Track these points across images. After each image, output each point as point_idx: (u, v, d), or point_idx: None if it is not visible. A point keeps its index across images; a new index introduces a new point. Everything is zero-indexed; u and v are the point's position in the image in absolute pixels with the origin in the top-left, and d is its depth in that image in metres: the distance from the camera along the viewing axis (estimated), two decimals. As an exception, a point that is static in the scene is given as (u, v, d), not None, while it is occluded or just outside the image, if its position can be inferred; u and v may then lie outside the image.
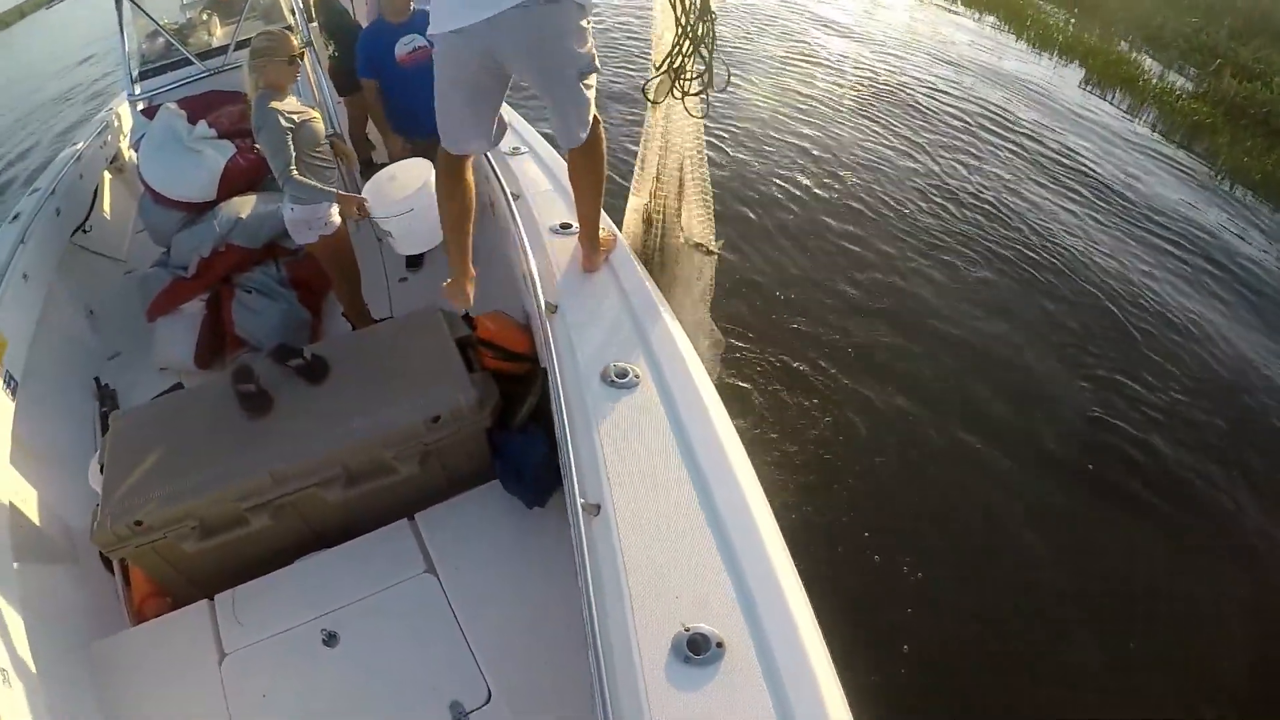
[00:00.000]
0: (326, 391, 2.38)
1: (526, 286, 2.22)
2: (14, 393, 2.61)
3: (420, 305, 3.30)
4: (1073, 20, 11.88)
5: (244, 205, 3.31)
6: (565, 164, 2.64)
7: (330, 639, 2.05)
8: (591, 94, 1.98)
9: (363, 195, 2.96)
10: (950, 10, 12.75)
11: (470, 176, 2.18)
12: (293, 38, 2.76)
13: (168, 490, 2.14)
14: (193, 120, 3.53)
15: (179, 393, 2.56)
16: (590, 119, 2.01)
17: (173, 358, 3.28)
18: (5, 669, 1.70)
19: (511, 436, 2.24)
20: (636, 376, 1.79)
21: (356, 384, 2.38)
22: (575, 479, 1.63)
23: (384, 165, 3.15)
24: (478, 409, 2.28)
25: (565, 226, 2.31)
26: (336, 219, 2.88)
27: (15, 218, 3.40)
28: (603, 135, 2.08)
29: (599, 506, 1.54)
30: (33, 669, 1.82)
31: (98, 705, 1.96)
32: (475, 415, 2.28)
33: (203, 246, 3.21)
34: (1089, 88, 9.61)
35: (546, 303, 2.06)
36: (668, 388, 1.76)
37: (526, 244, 2.27)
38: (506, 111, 2.73)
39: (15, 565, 2.06)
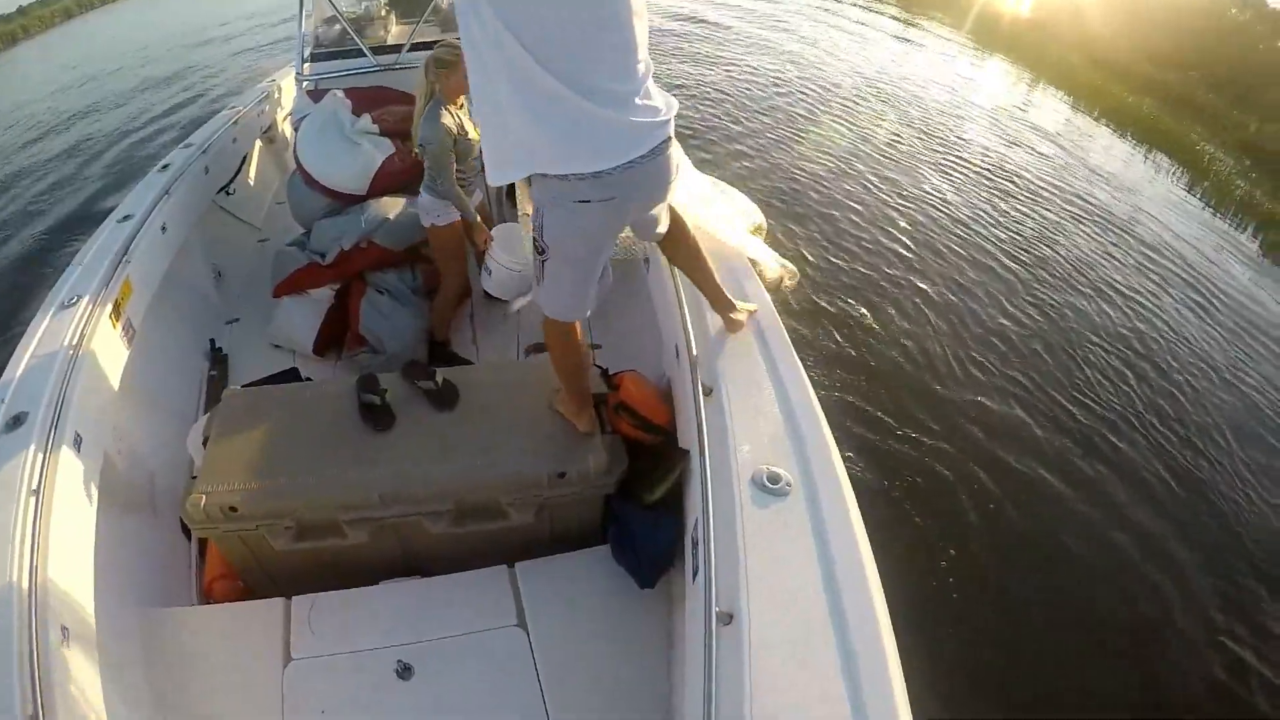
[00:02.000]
0: (452, 420, 2.28)
1: (681, 361, 2.08)
2: (130, 340, 2.60)
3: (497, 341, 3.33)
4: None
5: (393, 206, 3.29)
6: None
7: (404, 671, 1.94)
8: None
9: (492, 234, 3.09)
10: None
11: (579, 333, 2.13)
12: None
13: (271, 483, 2.06)
14: (357, 112, 3.55)
15: (297, 384, 2.50)
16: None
17: (292, 338, 3.26)
18: (65, 624, 1.65)
19: (636, 511, 2.08)
20: (789, 485, 1.64)
21: (484, 419, 2.27)
22: (713, 583, 1.52)
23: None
24: (605, 474, 2.14)
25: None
26: (457, 215, 2.99)
27: (164, 168, 3.46)
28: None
29: (732, 616, 1.43)
30: (92, 624, 1.77)
31: (148, 678, 1.88)
32: (602, 480, 2.15)
33: (345, 238, 3.18)
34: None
35: (703, 384, 1.92)
36: (817, 500, 1.63)
37: (688, 318, 2.13)
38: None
39: (94, 507, 2.01)
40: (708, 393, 1.92)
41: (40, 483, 1.82)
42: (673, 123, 1.76)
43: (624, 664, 1.99)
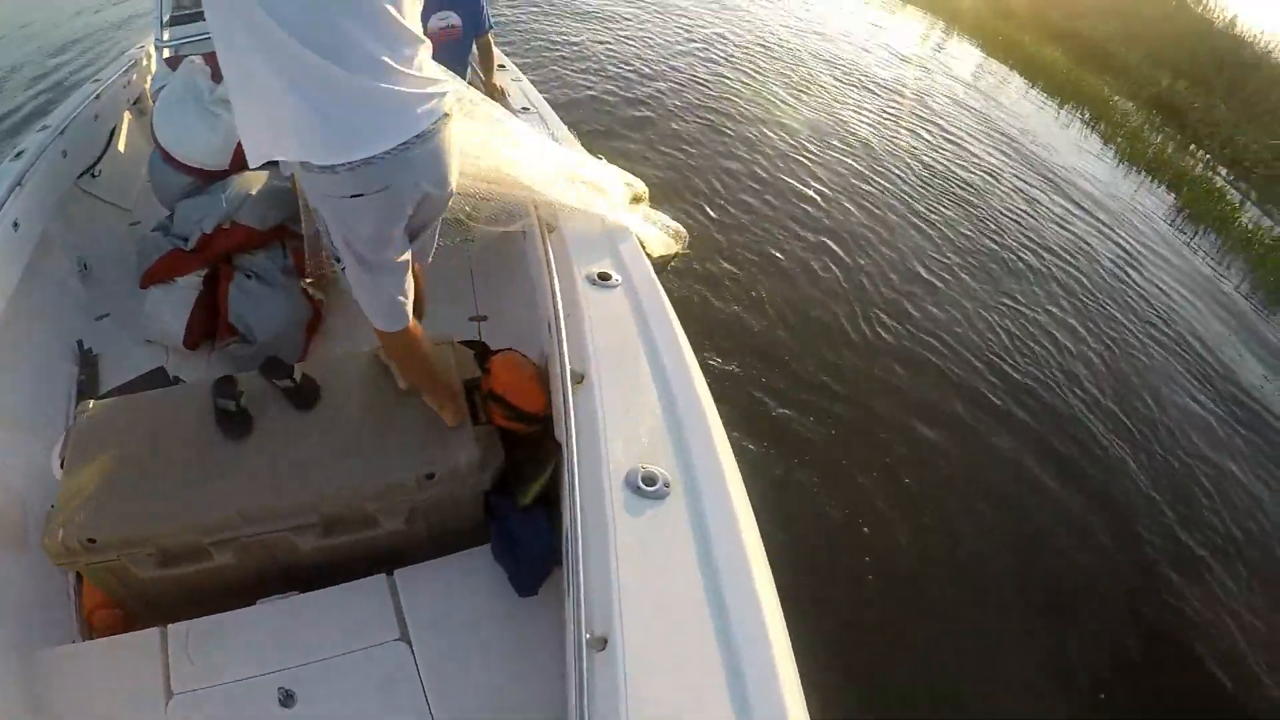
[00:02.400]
0: (313, 421, 2.13)
1: (551, 342, 1.96)
2: None
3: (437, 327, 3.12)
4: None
5: (256, 181, 3.04)
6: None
7: (287, 699, 1.84)
8: None
9: None
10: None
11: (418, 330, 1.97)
12: None
13: (125, 509, 1.93)
14: (216, 79, 3.24)
15: (156, 393, 2.32)
16: None
17: (161, 332, 3.04)
18: None
19: (512, 511, 1.99)
20: (667, 486, 1.53)
21: (347, 417, 2.14)
22: (582, 606, 1.40)
23: None
24: (478, 470, 2.04)
25: (604, 278, 2.04)
26: None
27: (18, 155, 3.13)
28: None
29: (606, 640, 1.33)
30: None
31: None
32: (474, 477, 2.04)
33: (206, 220, 2.95)
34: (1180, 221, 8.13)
35: (572, 370, 1.79)
36: (700, 501, 1.52)
37: (558, 293, 2.00)
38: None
39: None
40: (578, 379, 1.80)
41: None
42: (451, 95, 1.61)
43: (514, 675, 1.91)
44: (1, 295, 2.63)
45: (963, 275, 5.46)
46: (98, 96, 3.88)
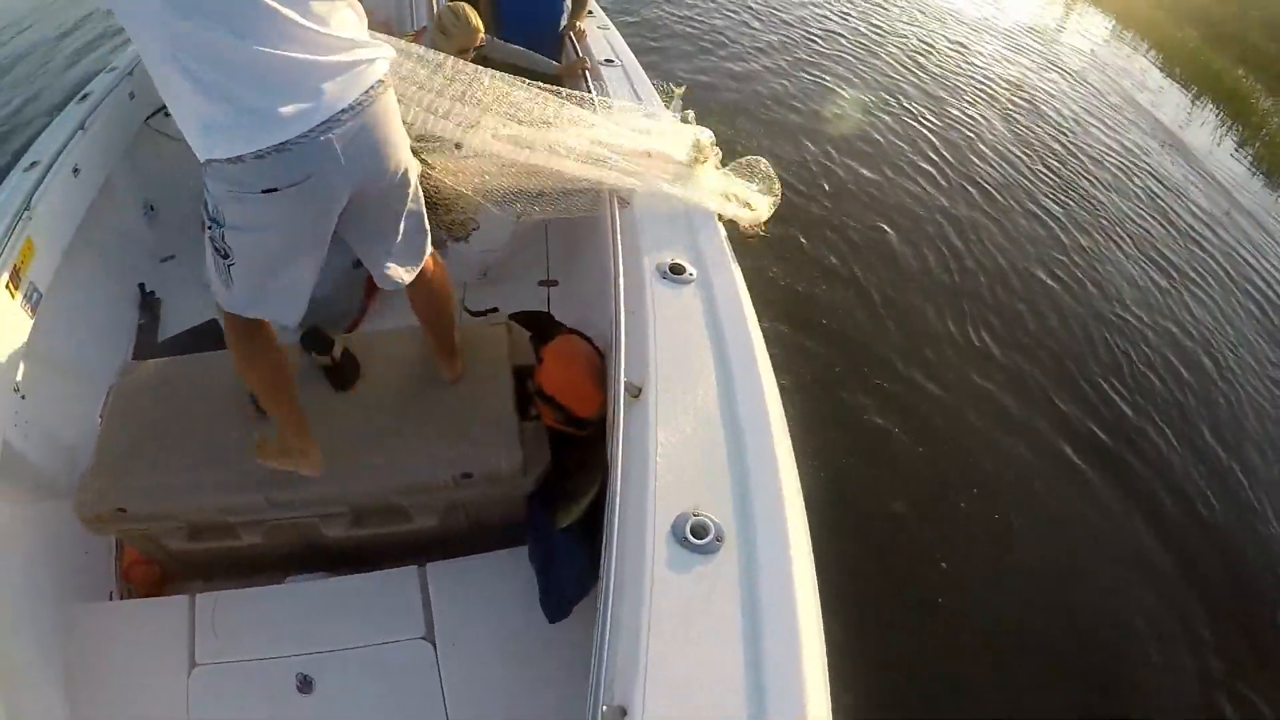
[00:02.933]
0: (349, 403, 1.99)
1: (612, 343, 1.72)
2: (34, 307, 2.31)
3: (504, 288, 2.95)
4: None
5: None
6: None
7: (304, 684, 1.79)
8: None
9: None
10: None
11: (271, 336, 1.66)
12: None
13: (154, 482, 1.86)
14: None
15: (196, 358, 2.20)
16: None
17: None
18: None
19: (549, 528, 1.79)
20: (719, 540, 1.28)
21: (386, 402, 1.98)
22: (604, 668, 1.21)
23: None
24: (519, 475, 1.85)
25: (677, 271, 1.77)
26: None
27: (84, 98, 3.06)
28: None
29: (625, 712, 1.12)
30: (8, 619, 1.74)
31: (61, 679, 1.80)
32: (516, 480, 1.86)
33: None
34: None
35: (627, 383, 1.55)
36: (754, 562, 1.26)
37: (622, 293, 1.75)
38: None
39: (8, 502, 1.85)
40: (635, 393, 1.55)
41: None
42: (385, 60, 1.33)
43: (535, 691, 1.78)
44: (57, 245, 2.55)
45: (1085, 284, 4.80)
46: None
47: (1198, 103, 9.17)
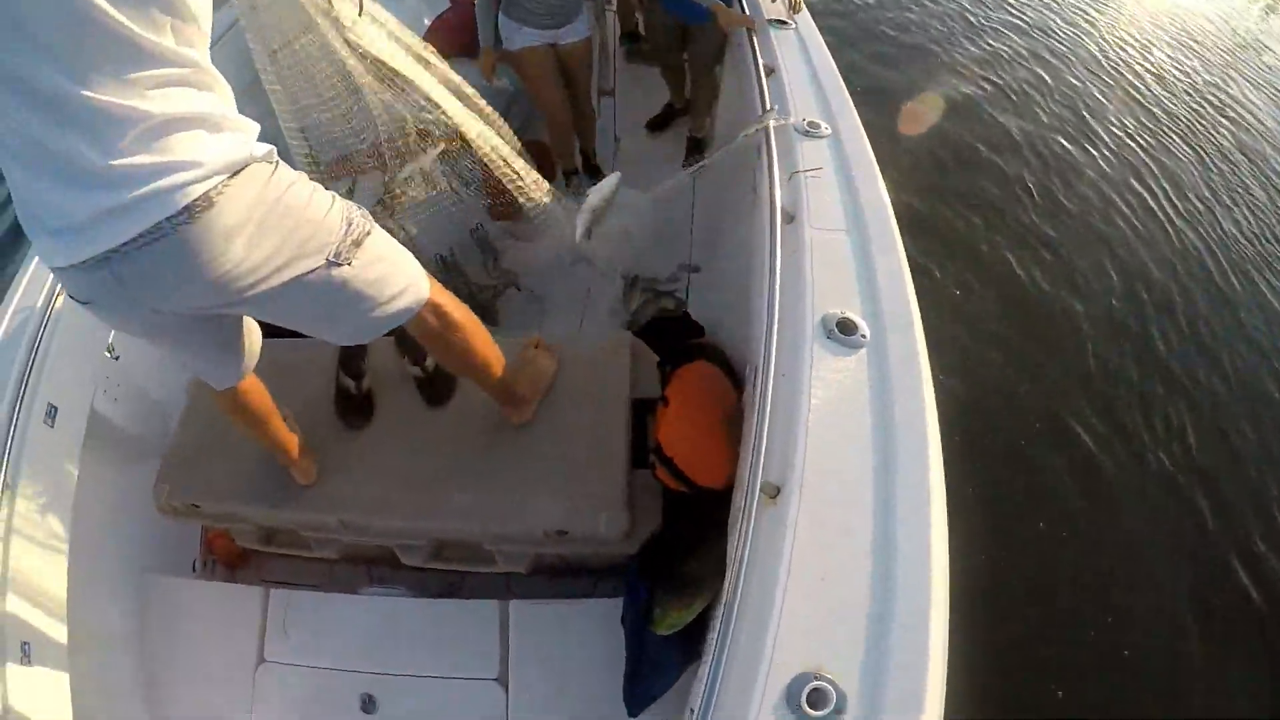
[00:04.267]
0: (441, 424, 1.76)
1: (755, 417, 1.36)
2: None
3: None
4: None
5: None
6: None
7: (368, 704, 1.69)
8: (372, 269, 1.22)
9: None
10: None
11: (254, 387, 1.55)
12: None
13: (228, 486, 1.74)
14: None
15: (282, 343, 2.00)
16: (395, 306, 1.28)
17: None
18: (64, 577, 1.55)
19: (645, 622, 1.51)
20: (839, 714, 0.97)
21: (479, 428, 1.73)
22: None
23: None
24: (622, 539, 1.57)
25: (847, 330, 1.38)
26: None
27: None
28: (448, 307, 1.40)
29: None
30: (93, 579, 1.70)
31: (137, 644, 1.79)
32: (617, 546, 1.58)
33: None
34: None
35: (765, 483, 1.22)
36: None
37: (774, 349, 1.38)
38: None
39: (76, 476, 1.73)
40: (772, 494, 1.22)
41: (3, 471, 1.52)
42: (202, 185, 0.96)
43: None
44: None
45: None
46: None
47: None
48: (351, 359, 1.76)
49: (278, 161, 1.10)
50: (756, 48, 2.20)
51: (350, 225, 1.16)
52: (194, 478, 1.76)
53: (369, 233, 1.20)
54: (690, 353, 1.86)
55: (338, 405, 1.76)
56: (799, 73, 2.11)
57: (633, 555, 1.63)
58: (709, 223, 2.68)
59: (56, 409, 1.68)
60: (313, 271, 1.12)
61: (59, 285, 1.80)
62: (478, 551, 1.69)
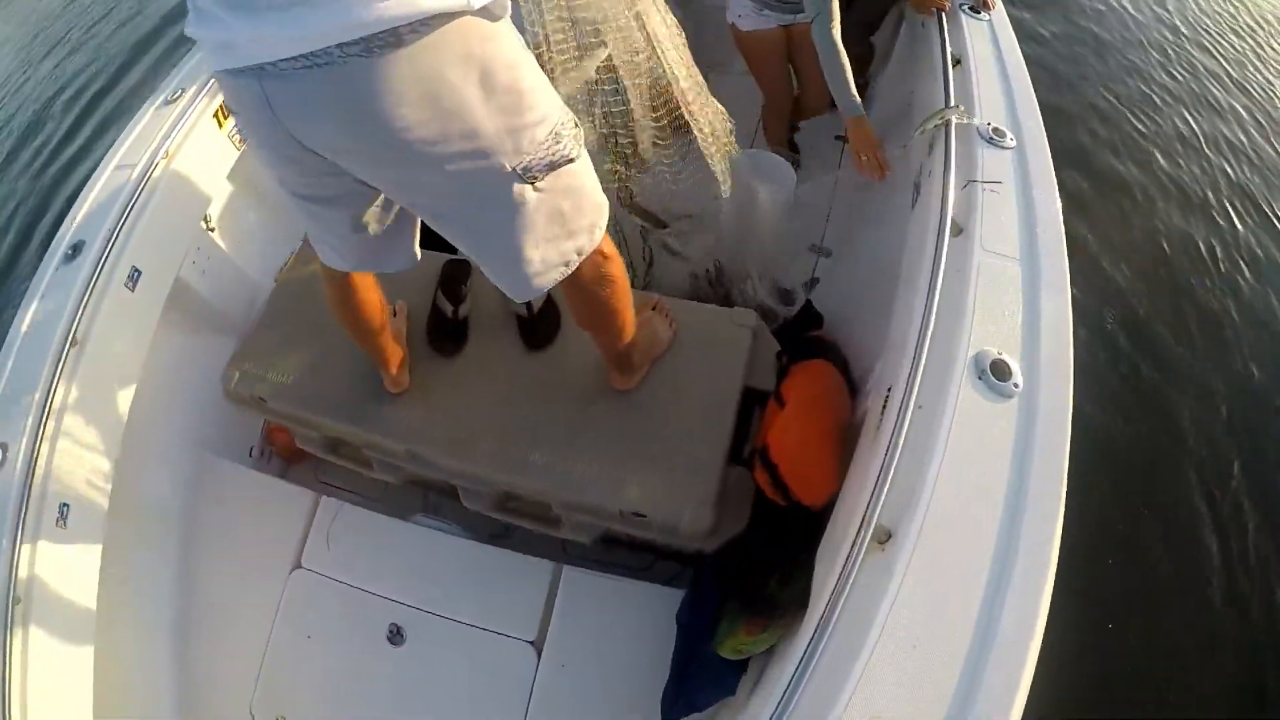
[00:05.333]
0: (534, 370, 1.63)
1: (884, 454, 1.19)
2: (244, 139, 2.09)
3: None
4: None
5: None
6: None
7: (395, 635, 1.64)
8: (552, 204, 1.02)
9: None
10: None
11: (371, 293, 1.38)
12: None
13: (298, 389, 1.67)
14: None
15: None
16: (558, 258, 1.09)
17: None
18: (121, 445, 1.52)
19: (708, 639, 1.38)
20: None
21: (573, 384, 1.60)
22: None
23: None
24: (705, 537, 1.43)
25: (1000, 373, 1.20)
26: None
27: None
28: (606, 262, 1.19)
29: None
30: (149, 451, 1.70)
31: (181, 523, 1.76)
32: (697, 540, 1.45)
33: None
34: None
35: (878, 526, 1.07)
36: None
37: (918, 382, 1.21)
38: None
39: (146, 348, 1.67)
40: (883, 538, 1.08)
41: (74, 326, 1.48)
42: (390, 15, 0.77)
43: None
44: None
45: None
46: None
47: None
48: (453, 280, 1.65)
49: (506, 25, 0.91)
50: (946, 33, 1.96)
51: (558, 142, 0.98)
52: (268, 370, 1.68)
53: (571, 160, 1.01)
54: (811, 348, 1.70)
55: (430, 326, 1.65)
56: (989, 69, 1.88)
57: (708, 553, 1.51)
58: (850, 209, 2.46)
59: (140, 272, 1.62)
60: (490, 174, 0.94)
61: (166, 145, 1.75)
62: (545, 512, 1.58)
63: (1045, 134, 1.66)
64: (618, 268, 1.23)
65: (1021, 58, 1.94)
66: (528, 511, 1.63)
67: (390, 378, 1.58)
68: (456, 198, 0.99)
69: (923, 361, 1.21)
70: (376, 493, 1.91)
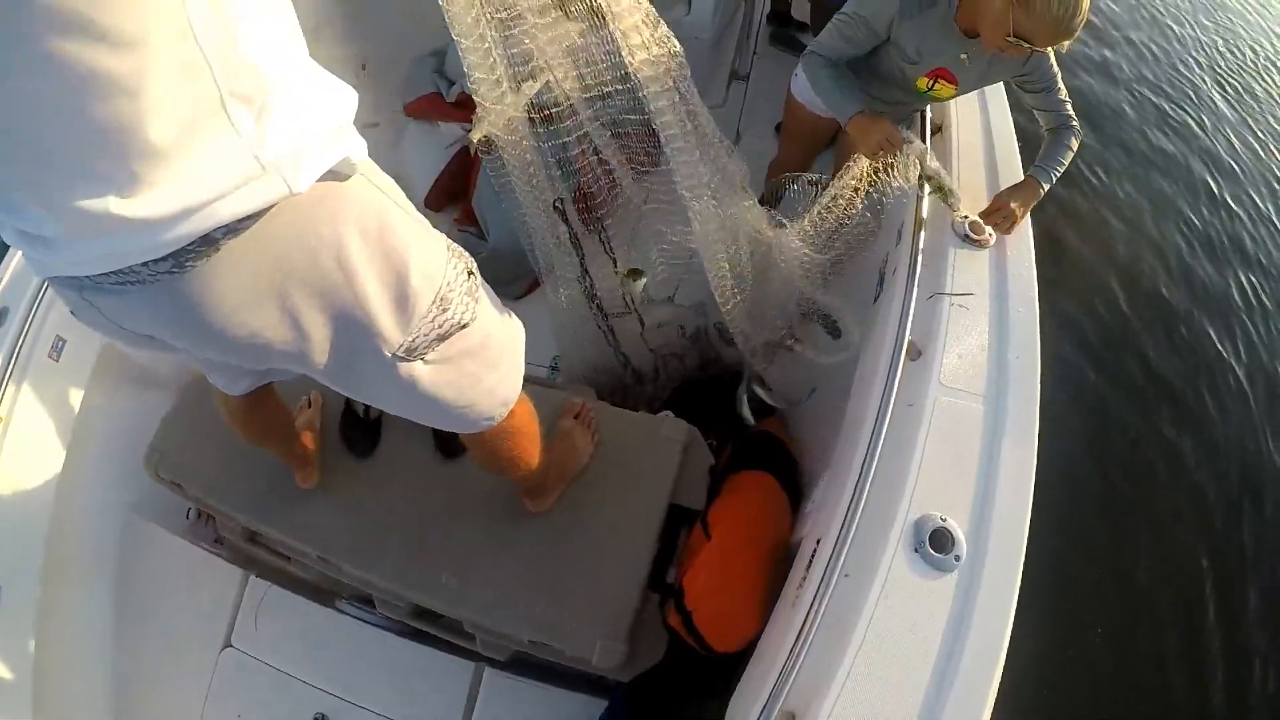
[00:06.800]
0: (448, 477, 1.56)
1: (786, 653, 1.10)
2: None
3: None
4: None
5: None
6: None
7: None
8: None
9: None
10: None
11: (271, 408, 1.33)
12: None
13: (215, 479, 1.62)
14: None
15: None
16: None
17: (410, 174, 2.55)
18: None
19: None
20: None
21: (488, 499, 1.52)
22: None
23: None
24: (618, 670, 1.37)
25: (940, 545, 1.09)
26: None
27: None
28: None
29: None
30: (88, 508, 1.67)
31: (114, 587, 1.72)
32: (610, 672, 1.39)
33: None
34: None
35: (783, 711, 1.00)
36: None
37: (840, 562, 1.11)
38: None
39: (77, 409, 1.65)
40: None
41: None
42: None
43: None
44: None
45: None
46: None
47: None
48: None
49: (358, 183, 0.77)
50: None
51: (445, 310, 0.85)
52: (184, 456, 1.63)
53: (465, 325, 0.88)
54: (752, 451, 1.61)
55: (343, 424, 1.58)
56: (971, 134, 1.74)
57: (624, 682, 1.44)
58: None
59: (65, 341, 1.56)
60: (369, 359, 0.83)
61: None
62: (459, 626, 1.52)
63: (1030, 226, 1.53)
64: (521, 418, 1.13)
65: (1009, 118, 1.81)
66: (441, 624, 1.57)
67: (300, 474, 1.53)
68: (339, 378, 0.88)
69: (855, 521, 1.12)
70: (299, 584, 1.82)
